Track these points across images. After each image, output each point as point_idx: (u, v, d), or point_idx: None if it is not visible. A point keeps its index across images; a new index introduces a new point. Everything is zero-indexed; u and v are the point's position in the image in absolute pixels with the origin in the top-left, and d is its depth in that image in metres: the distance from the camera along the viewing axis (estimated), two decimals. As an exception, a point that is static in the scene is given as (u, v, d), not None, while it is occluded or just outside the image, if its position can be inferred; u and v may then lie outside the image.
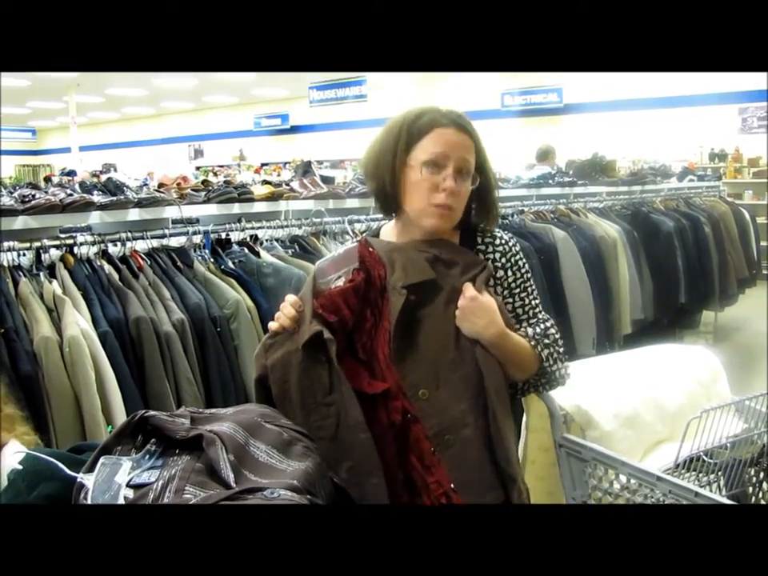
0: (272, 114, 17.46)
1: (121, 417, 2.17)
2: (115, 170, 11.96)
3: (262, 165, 14.39)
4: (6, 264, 2.42)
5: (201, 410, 1.36)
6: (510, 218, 4.22)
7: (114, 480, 1.15)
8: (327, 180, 4.17)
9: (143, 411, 1.28)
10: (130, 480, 1.16)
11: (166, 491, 1.13)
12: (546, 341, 1.53)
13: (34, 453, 1.25)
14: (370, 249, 1.51)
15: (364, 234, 1.63)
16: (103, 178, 4.99)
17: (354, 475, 1.43)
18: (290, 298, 1.51)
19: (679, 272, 5.19)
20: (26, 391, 2.10)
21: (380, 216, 1.67)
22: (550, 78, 12.96)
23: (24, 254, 2.48)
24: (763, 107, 11.16)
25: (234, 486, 1.13)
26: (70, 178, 8.26)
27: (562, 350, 1.56)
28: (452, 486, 1.43)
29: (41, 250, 2.49)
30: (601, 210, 4.99)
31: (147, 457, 1.21)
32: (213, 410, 1.36)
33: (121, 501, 1.12)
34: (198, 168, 13.89)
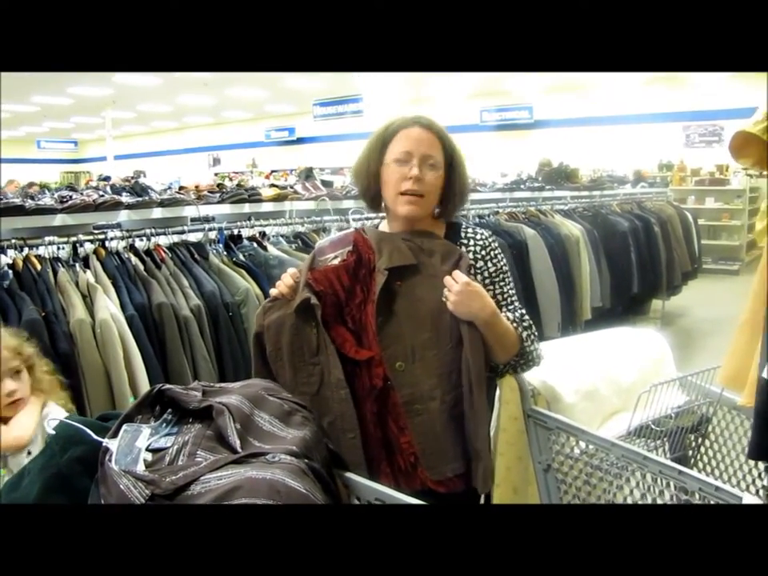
0: (280, 127, 17.38)
1: (146, 389, 2.13)
2: (144, 176, 11.86)
3: (272, 171, 14.25)
4: (46, 256, 2.41)
5: (211, 384, 1.34)
6: (486, 218, 4.19)
7: (134, 445, 1.14)
8: (327, 184, 4.12)
9: (161, 384, 1.26)
10: (149, 445, 1.15)
11: (180, 455, 1.11)
12: (524, 324, 1.50)
13: (66, 420, 1.24)
14: (364, 236, 1.49)
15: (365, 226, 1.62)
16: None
17: (333, 429, 1.42)
18: (291, 270, 1.51)
19: (632, 266, 5.19)
20: (64, 366, 2.07)
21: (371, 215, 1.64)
22: (521, 97, 12.92)
23: (62, 248, 2.46)
24: (703, 125, 11.22)
25: (240, 450, 1.11)
26: (106, 183, 8.18)
27: (536, 333, 1.53)
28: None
29: (77, 244, 2.47)
30: (565, 211, 4.96)
31: (164, 425, 1.19)
32: (222, 384, 1.34)
33: (141, 463, 1.11)
34: (216, 174, 13.78)
